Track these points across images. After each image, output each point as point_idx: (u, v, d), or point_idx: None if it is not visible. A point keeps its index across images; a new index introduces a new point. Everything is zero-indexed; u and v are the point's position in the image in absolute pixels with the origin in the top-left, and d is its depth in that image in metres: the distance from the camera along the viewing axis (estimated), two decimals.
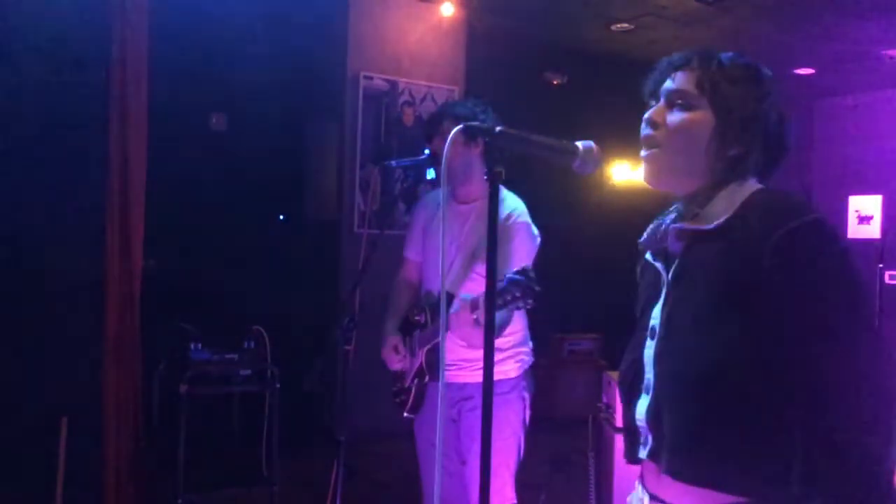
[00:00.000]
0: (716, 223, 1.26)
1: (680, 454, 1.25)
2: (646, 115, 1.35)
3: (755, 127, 1.31)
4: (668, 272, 1.34)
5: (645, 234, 1.42)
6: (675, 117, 1.33)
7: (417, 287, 2.80)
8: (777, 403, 1.20)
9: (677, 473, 1.26)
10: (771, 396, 1.20)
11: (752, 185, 1.32)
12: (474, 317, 2.20)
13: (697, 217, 1.31)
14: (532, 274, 2.06)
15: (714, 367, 1.22)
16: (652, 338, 1.34)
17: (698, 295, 1.27)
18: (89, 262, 3.45)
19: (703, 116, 1.31)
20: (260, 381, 3.67)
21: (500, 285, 2.11)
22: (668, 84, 1.34)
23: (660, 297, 1.35)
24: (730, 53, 1.34)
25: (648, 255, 1.41)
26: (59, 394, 3.33)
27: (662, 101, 1.35)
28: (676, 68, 1.34)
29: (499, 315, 2.08)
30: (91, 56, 3.46)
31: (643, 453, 1.34)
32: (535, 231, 2.55)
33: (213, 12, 4.11)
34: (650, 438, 1.32)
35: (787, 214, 1.20)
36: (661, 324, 1.32)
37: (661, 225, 1.37)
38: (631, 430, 1.38)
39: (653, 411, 1.31)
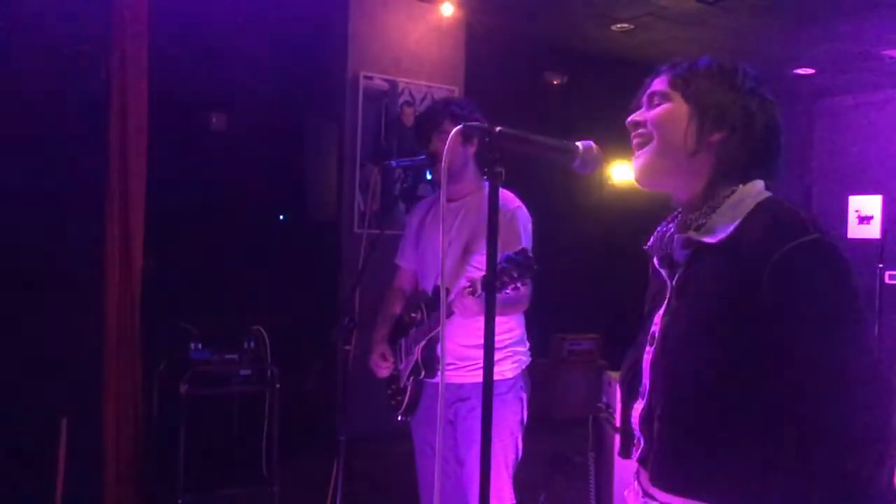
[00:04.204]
0: (718, 238, 1.27)
1: (665, 465, 1.28)
2: (627, 120, 1.40)
3: (733, 112, 1.32)
4: (672, 280, 1.35)
5: (651, 240, 1.43)
6: (652, 111, 1.37)
7: (410, 293, 2.81)
8: (761, 421, 1.21)
9: (660, 482, 1.29)
10: (755, 414, 1.22)
11: (759, 192, 1.32)
12: (476, 297, 2.20)
13: (703, 227, 1.31)
14: (529, 253, 2.07)
15: (703, 381, 1.25)
16: (651, 344, 1.36)
17: (697, 307, 1.29)
18: (89, 262, 3.45)
19: (678, 106, 1.34)
20: (260, 381, 3.67)
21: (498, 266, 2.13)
22: (647, 91, 1.40)
23: (663, 304, 1.37)
24: (706, 58, 1.38)
25: (655, 261, 1.42)
26: (59, 394, 3.33)
27: (643, 106, 1.40)
28: (652, 78, 1.41)
29: (502, 295, 2.09)
30: (91, 55, 3.46)
31: (634, 456, 1.39)
32: (526, 214, 2.56)
33: (214, 12, 4.11)
34: (642, 442, 1.36)
35: (787, 233, 1.20)
36: (660, 332, 1.34)
37: (667, 232, 1.39)
38: (626, 431, 1.42)
39: (645, 417, 1.34)
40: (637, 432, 1.37)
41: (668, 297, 1.35)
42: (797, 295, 1.18)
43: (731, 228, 1.26)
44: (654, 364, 1.34)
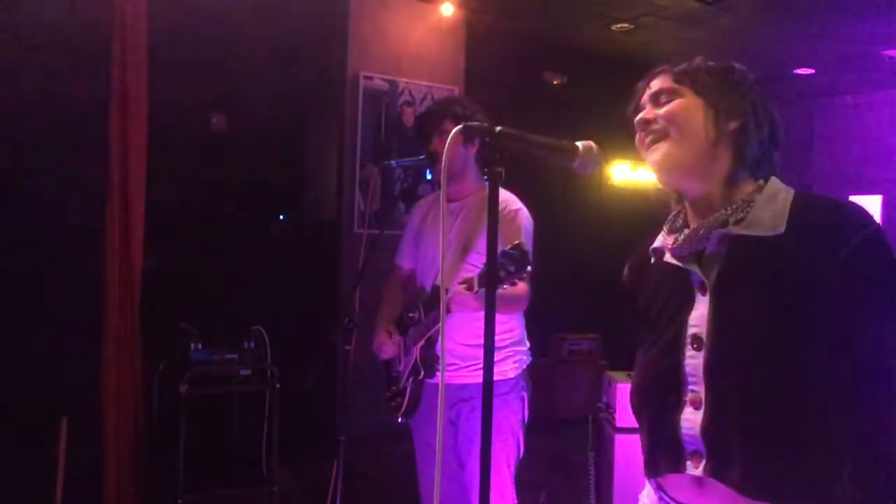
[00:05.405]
0: (776, 232, 1.25)
1: (757, 474, 1.22)
2: (637, 119, 1.37)
3: (743, 105, 1.33)
4: (707, 278, 1.30)
5: (676, 240, 1.36)
6: (664, 108, 1.35)
7: (410, 286, 2.81)
8: (836, 418, 1.21)
9: (754, 492, 1.22)
10: (832, 411, 1.21)
11: (784, 187, 1.32)
12: (474, 290, 2.20)
13: (744, 222, 1.28)
14: (525, 248, 2.05)
15: (786, 382, 1.20)
16: (697, 347, 1.29)
17: (757, 304, 1.24)
18: (89, 262, 3.45)
19: (690, 100, 1.33)
20: (260, 381, 3.67)
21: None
22: (648, 91, 1.38)
23: (692, 302, 1.32)
24: (700, 58, 1.38)
25: (670, 259, 1.36)
26: (59, 394, 3.34)
27: (648, 105, 1.37)
28: (652, 78, 1.39)
29: (499, 291, 2.08)
30: (91, 55, 3.46)
31: (695, 469, 1.27)
32: (527, 214, 2.56)
33: (214, 12, 4.11)
34: (705, 454, 1.26)
35: (853, 224, 1.23)
36: (711, 334, 1.28)
37: (699, 229, 1.33)
38: (667, 444, 1.30)
39: (714, 427, 1.25)
40: (696, 443, 1.26)
41: (704, 295, 1.30)
42: (868, 287, 1.22)
43: (783, 222, 1.26)
44: (714, 368, 1.26)
